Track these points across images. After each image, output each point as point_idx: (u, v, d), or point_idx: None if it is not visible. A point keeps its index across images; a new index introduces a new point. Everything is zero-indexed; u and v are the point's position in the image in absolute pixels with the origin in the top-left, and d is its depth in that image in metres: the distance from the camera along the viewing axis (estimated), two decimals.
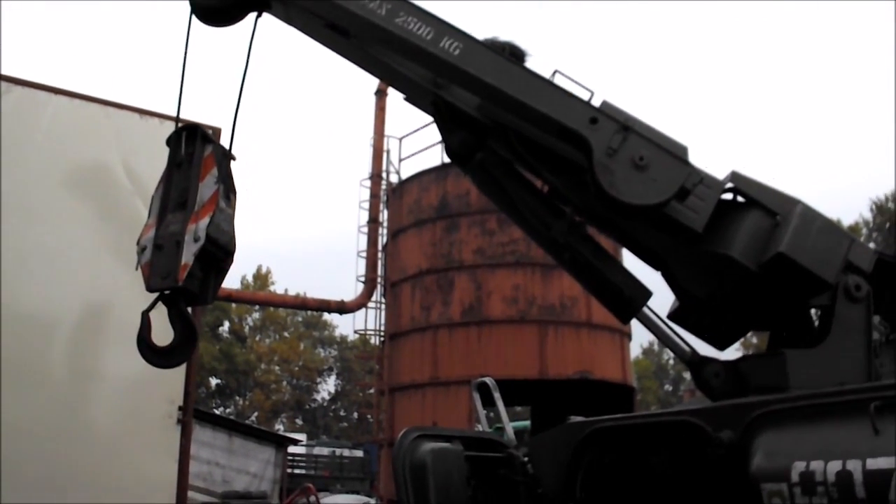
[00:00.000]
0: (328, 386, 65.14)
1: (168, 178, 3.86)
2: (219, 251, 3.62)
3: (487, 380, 5.57)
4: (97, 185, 5.46)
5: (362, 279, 20.26)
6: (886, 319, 3.49)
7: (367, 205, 20.50)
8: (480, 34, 3.64)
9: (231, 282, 55.30)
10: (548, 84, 3.52)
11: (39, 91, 5.38)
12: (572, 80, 3.70)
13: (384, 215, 20.00)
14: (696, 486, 2.95)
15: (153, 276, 3.57)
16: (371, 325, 19.78)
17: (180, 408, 5.32)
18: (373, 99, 20.78)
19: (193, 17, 4.14)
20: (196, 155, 3.81)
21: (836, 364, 3.11)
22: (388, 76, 4.07)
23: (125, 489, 4.99)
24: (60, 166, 5.34)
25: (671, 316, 3.73)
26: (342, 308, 20.49)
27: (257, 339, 59.80)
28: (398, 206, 18.21)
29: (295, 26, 4.07)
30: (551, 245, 3.75)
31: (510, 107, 3.54)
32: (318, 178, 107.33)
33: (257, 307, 52.74)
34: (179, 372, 5.24)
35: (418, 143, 28.12)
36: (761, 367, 3.27)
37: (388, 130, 20.30)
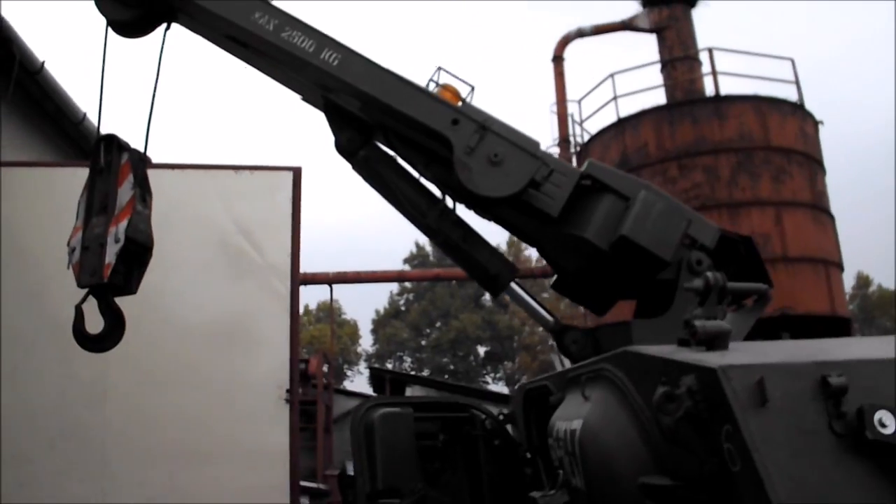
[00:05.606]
0: None
1: (91, 185, 4.17)
2: (138, 248, 3.98)
3: None
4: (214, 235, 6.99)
5: None
6: None
7: None
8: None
9: None
10: (417, 90, 3.95)
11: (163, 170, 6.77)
12: (454, 75, 4.28)
13: None
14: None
15: (83, 274, 3.95)
16: None
17: (287, 390, 6.67)
18: (550, 66, 21.13)
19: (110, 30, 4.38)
20: (114, 163, 4.14)
21: (675, 332, 3.43)
22: (286, 80, 4.41)
23: (251, 455, 6.54)
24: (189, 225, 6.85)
25: (555, 286, 4.25)
26: (547, 272, 21.34)
27: None
28: None
29: (201, 35, 4.41)
30: (427, 229, 4.20)
31: (384, 111, 3.96)
32: None
33: None
34: (284, 365, 6.73)
35: (595, 103, 27.43)
36: (612, 334, 3.72)
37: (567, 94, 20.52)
